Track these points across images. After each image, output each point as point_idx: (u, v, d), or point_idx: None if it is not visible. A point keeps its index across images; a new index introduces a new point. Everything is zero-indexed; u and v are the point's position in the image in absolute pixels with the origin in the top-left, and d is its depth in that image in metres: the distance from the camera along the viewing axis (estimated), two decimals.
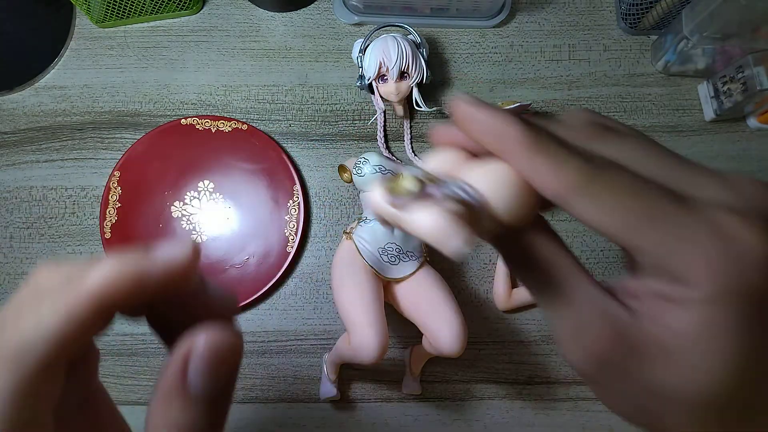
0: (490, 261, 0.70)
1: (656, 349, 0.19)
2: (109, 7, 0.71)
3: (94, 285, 0.19)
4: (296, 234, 0.69)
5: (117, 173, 0.70)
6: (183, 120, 0.71)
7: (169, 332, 0.22)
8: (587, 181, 0.19)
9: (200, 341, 0.20)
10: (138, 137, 0.71)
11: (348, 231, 0.59)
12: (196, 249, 0.21)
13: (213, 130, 0.71)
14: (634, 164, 0.20)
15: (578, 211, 0.19)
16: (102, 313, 0.20)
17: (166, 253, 0.21)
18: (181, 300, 0.22)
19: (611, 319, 0.20)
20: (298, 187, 0.69)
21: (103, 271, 0.20)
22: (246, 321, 0.68)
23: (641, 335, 0.19)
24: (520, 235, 0.21)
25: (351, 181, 0.62)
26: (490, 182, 0.21)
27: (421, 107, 0.69)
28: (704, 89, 0.73)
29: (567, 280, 0.21)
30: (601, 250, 0.70)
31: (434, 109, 0.72)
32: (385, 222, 0.22)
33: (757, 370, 0.19)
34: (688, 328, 0.18)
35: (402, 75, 0.67)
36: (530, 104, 0.68)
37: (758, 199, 0.19)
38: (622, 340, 0.19)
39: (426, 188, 0.21)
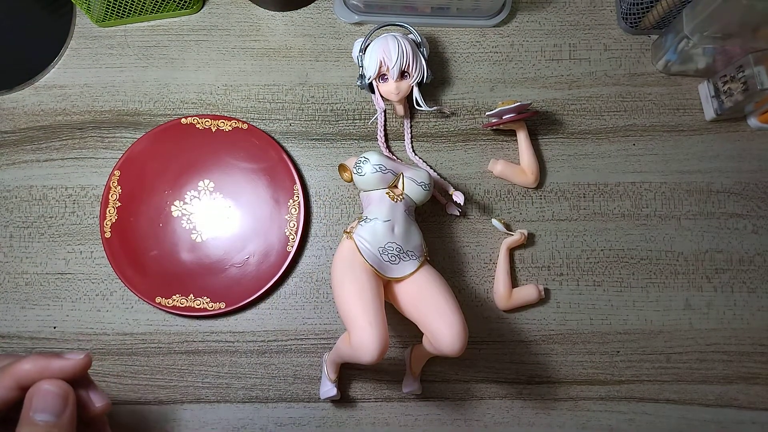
0: (491, 261, 0.70)
1: None
2: (109, 6, 0.71)
3: (14, 368, 0.35)
4: (296, 233, 0.68)
5: (117, 172, 0.70)
6: (183, 119, 0.71)
7: None
8: None
9: (44, 384, 0.35)
10: (138, 136, 0.71)
11: (348, 230, 0.59)
12: (87, 358, 0.37)
13: (213, 130, 0.71)
14: None
15: None
16: (19, 385, 0.35)
17: (66, 358, 0.36)
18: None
19: None
20: (298, 186, 0.69)
21: (24, 363, 0.36)
22: (246, 321, 0.68)
23: None
24: None
25: (351, 180, 0.62)
26: None
27: (421, 107, 0.69)
28: (705, 89, 0.73)
29: None
30: (602, 250, 0.70)
31: (434, 108, 0.72)
32: None
33: None
34: None
35: (402, 74, 0.67)
36: (530, 104, 0.68)
37: None
38: None
39: None
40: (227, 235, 0.69)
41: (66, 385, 0.35)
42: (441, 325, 0.54)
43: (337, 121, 0.73)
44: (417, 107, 0.69)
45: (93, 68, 0.74)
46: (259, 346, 0.68)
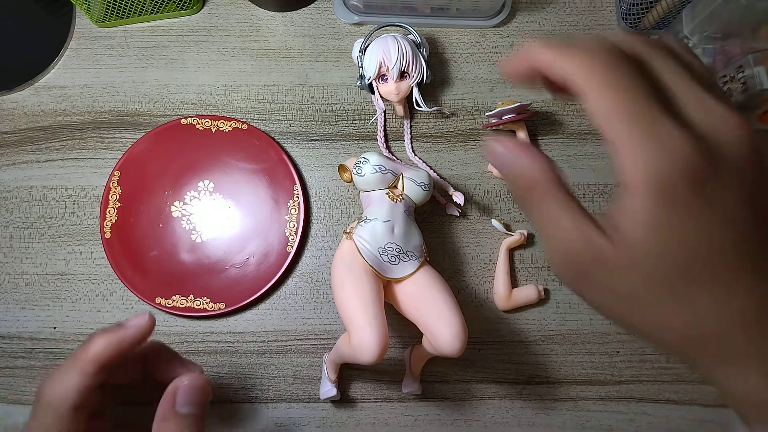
0: (490, 261, 0.70)
1: (619, 260, 0.25)
2: (109, 6, 0.71)
3: (91, 352, 0.37)
4: (296, 234, 0.69)
5: (117, 173, 0.70)
6: (183, 120, 0.71)
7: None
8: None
9: (184, 380, 0.38)
10: (138, 137, 0.71)
11: (348, 231, 0.59)
12: (152, 319, 0.40)
13: (213, 130, 0.71)
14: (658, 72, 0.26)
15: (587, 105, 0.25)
16: (99, 368, 0.37)
17: (133, 324, 0.39)
18: (156, 367, 0.43)
19: (589, 239, 0.26)
20: (298, 186, 0.69)
21: (96, 343, 0.37)
22: (246, 321, 0.68)
23: (609, 251, 0.25)
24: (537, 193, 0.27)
25: (351, 180, 0.62)
26: None
27: (421, 107, 0.69)
28: None
29: (561, 210, 0.27)
30: None
31: (434, 108, 0.72)
32: None
33: (690, 241, 0.24)
34: (631, 223, 0.24)
35: (402, 75, 0.67)
36: (530, 104, 0.68)
37: (723, 132, 0.24)
38: (595, 255, 0.26)
39: None
40: (227, 235, 0.69)
41: (203, 377, 0.39)
42: (440, 326, 0.54)
43: (337, 121, 0.73)
44: (417, 108, 0.69)
45: (93, 69, 0.74)
46: (259, 347, 0.68)
